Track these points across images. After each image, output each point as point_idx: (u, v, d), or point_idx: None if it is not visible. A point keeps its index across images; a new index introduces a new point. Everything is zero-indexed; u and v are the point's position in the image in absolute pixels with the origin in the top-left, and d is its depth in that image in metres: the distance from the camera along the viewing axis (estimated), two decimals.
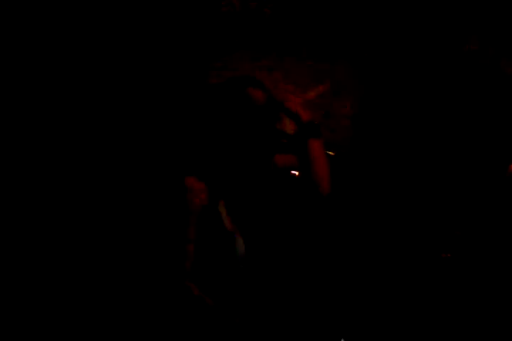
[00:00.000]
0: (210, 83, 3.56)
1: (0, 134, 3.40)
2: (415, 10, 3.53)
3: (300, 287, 3.01)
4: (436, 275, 3.12)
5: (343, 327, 3.09)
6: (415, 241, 3.16)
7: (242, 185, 3.05)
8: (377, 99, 3.46)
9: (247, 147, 3.04)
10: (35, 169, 3.38)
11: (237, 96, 3.03)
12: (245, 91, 3.03)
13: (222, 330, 2.85)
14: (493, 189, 3.14)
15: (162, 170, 3.11)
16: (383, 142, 3.33)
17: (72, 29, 3.50)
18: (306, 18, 3.75)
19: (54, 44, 3.49)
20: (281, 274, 3.01)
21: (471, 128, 3.29)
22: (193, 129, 3.12)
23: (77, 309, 3.18)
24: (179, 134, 3.31)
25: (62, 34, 3.49)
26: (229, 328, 2.85)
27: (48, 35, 3.48)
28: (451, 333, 3.06)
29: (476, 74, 3.39)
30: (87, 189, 3.37)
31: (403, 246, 3.16)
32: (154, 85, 3.55)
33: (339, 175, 3.24)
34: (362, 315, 3.13)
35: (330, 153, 3.16)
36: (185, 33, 3.68)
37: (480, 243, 3.13)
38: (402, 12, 3.52)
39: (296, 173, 3.11)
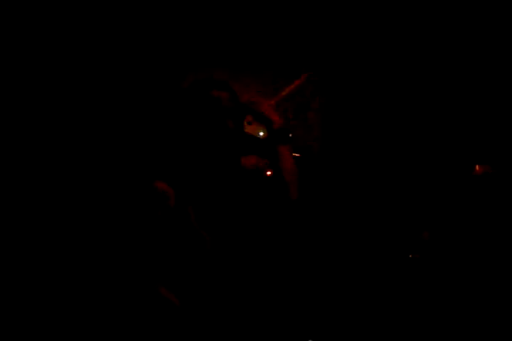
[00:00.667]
0: (176, 87, 3.54)
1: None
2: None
3: (270, 286, 2.99)
4: (405, 276, 3.11)
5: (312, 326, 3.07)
6: (384, 242, 3.15)
7: (209, 187, 3.04)
8: (347, 98, 3.46)
9: (212, 150, 3.03)
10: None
11: (202, 99, 3.01)
12: (210, 94, 3.02)
13: (191, 330, 2.83)
14: (461, 188, 3.15)
15: (131, 176, 3.10)
16: (352, 141, 3.34)
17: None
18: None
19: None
20: (251, 275, 2.99)
21: (437, 129, 3.30)
22: (160, 133, 3.11)
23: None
24: (147, 139, 3.31)
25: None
26: (199, 328, 2.82)
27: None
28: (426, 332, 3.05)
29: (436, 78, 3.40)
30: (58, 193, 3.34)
31: (372, 247, 3.16)
32: (123, 91, 3.53)
33: (307, 176, 3.23)
34: (333, 315, 3.11)
35: (296, 154, 3.16)
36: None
37: (448, 243, 3.13)
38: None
39: (269, 173, 3.10)
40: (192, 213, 2.96)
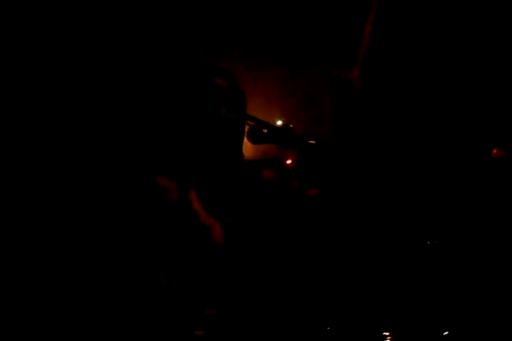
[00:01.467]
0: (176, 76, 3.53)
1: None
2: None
3: (282, 277, 2.97)
4: (424, 263, 3.08)
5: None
6: (402, 230, 3.13)
7: (213, 177, 3.02)
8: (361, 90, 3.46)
9: (215, 138, 3.01)
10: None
11: (204, 87, 3.00)
12: (212, 82, 3.01)
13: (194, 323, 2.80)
14: (479, 173, 3.13)
15: (133, 171, 3.08)
16: (364, 132, 3.33)
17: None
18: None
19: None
20: (261, 264, 2.96)
21: (453, 115, 3.29)
22: (160, 123, 3.10)
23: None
24: (147, 131, 3.30)
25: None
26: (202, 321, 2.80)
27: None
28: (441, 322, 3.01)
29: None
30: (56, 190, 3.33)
31: (390, 235, 3.13)
32: (121, 85, 3.53)
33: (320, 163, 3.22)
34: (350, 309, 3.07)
35: (311, 141, 3.14)
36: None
37: (467, 229, 3.11)
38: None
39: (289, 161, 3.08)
40: (196, 204, 2.94)
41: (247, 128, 3.09)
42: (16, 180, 3.34)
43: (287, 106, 3.66)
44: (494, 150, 3.06)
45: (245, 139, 3.16)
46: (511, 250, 3.02)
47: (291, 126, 3.20)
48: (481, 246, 3.07)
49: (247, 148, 3.15)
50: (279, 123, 3.10)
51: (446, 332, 2.95)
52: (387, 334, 3.00)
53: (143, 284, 2.87)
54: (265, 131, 3.13)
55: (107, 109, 3.48)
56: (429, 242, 3.09)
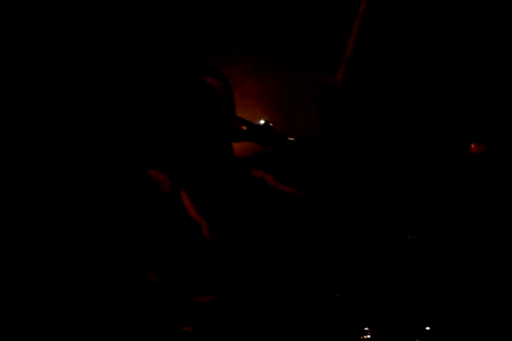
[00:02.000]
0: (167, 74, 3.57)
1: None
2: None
3: (267, 270, 3.00)
4: (404, 257, 3.08)
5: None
6: (383, 225, 3.14)
7: (202, 172, 3.09)
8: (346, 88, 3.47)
9: (204, 135, 3.08)
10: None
11: (194, 85, 3.07)
12: (202, 80, 3.08)
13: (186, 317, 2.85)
14: (457, 168, 3.12)
15: (125, 164, 3.15)
16: (347, 128, 3.35)
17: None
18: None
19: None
20: (248, 258, 3.00)
21: (432, 109, 3.28)
22: (152, 120, 3.16)
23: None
24: (139, 127, 3.36)
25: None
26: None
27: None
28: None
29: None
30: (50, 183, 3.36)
31: (372, 231, 3.14)
32: (114, 79, 3.56)
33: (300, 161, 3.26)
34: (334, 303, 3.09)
35: (290, 138, 3.19)
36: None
37: (447, 224, 3.10)
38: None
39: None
40: (186, 200, 3.01)
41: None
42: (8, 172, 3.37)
43: (280, 105, 3.71)
44: (472, 145, 3.05)
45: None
46: (493, 243, 3.01)
47: (271, 124, 3.25)
48: (464, 241, 3.06)
49: (237, 146, 3.21)
50: (262, 122, 3.16)
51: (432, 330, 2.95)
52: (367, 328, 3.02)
53: (132, 278, 2.94)
54: (244, 128, 3.19)
55: (101, 106, 3.50)
56: (410, 237, 3.10)
